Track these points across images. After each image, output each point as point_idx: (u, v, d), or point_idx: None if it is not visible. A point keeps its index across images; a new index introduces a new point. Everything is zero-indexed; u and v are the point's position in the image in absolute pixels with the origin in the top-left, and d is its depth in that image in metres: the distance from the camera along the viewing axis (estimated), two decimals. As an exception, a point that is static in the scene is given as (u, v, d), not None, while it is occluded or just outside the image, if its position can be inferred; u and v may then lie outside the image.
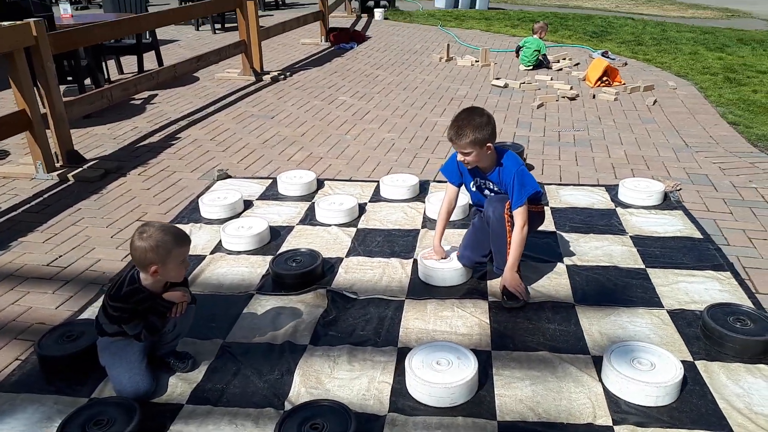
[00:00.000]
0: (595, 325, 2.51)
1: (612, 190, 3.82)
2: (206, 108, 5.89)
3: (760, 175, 4.09)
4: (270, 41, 8.62)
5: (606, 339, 2.41)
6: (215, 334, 2.48)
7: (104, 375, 2.20)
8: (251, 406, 2.10)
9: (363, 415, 2.03)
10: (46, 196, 3.91)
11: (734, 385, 2.16)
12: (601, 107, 5.87)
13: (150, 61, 7.31)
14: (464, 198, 3.28)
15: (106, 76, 6.60)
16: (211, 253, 3.15)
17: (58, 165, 4.26)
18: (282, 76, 7.08)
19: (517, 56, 7.78)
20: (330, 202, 3.55)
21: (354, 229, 3.37)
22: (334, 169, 4.33)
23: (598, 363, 2.25)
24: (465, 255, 2.82)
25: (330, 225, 3.42)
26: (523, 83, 6.66)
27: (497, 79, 6.83)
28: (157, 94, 6.36)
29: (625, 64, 7.69)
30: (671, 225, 3.36)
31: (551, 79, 6.90)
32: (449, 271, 2.81)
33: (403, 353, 2.31)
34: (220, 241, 3.23)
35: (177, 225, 2.57)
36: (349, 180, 4.11)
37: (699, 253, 3.05)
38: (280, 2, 14.50)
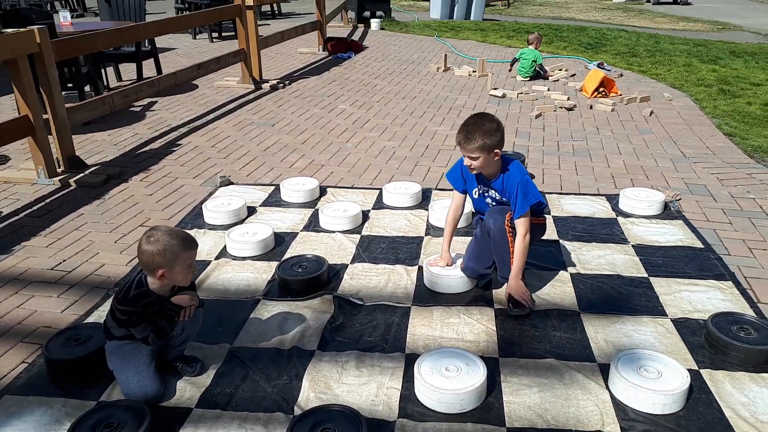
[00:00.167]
0: (600, 332, 2.53)
1: (613, 199, 3.85)
2: (206, 115, 5.90)
3: (757, 186, 4.14)
4: (268, 50, 8.65)
5: (612, 347, 2.44)
6: (222, 338, 2.48)
7: (112, 378, 2.19)
8: (260, 410, 2.10)
9: (372, 420, 2.04)
10: (48, 201, 3.90)
11: (739, 393, 2.18)
12: (598, 117, 5.93)
13: (149, 68, 7.31)
14: (470, 206, 3.30)
15: (105, 83, 6.61)
16: (216, 258, 3.15)
17: (59, 170, 4.26)
18: (281, 85, 7.10)
19: (510, 69, 7.85)
20: (334, 209, 3.56)
21: (358, 236, 3.39)
22: (336, 176, 4.35)
23: (604, 370, 2.27)
24: (469, 266, 2.83)
25: (334, 231, 3.43)
26: (521, 93, 6.72)
27: (495, 89, 6.88)
28: (156, 101, 6.36)
29: (621, 75, 7.78)
30: (672, 234, 3.40)
31: (548, 90, 6.97)
32: (455, 278, 2.83)
33: (410, 359, 2.33)
34: (225, 246, 3.24)
35: (184, 230, 2.57)
36: (352, 187, 4.12)
37: (700, 263, 3.09)
38: (277, 12, 14.56)
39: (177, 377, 2.25)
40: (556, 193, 3.99)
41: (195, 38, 10.68)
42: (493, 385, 2.21)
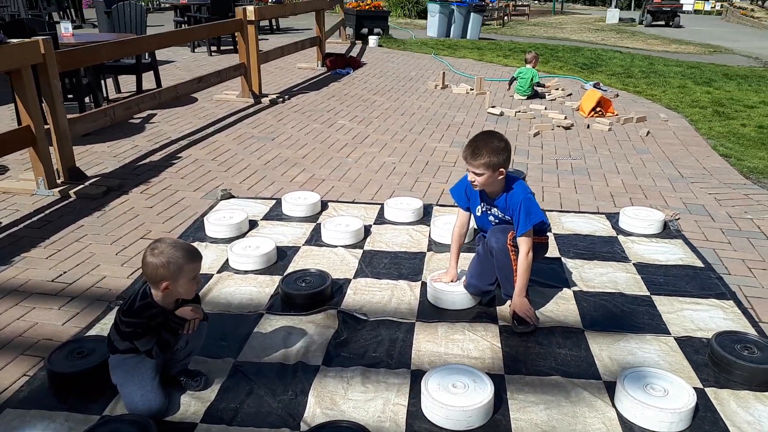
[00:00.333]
0: (605, 350, 2.53)
1: (612, 217, 3.88)
2: (206, 128, 5.91)
3: (754, 206, 4.18)
4: (267, 65, 8.67)
5: (616, 364, 2.44)
6: (226, 353, 2.47)
7: (116, 392, 2.17)
8: (266, 425, 2.08)
9: (380, 437, 2.03)
10: (47, 212, 3.88)
11: (744, 412, 2.19)
12: (596, 137, 5.98)
13: (148, 81, 7.32)
14: (472, 223, 3.31)
15: (105, 95, 6.61)
16: (218, 272, 3.14)
17: (59, 181, 4.24)
18: (280, 99, 7.13)
19: (509, 88, 7.93)
20: (336, 224, 3.56)
21: (360, 251, 3.39)
22: (337, 191, 4.36)
23: (610, 388, 2.27)
24: (472, 284, 2.83)
25: (336, 246, 3.43)
26: (519, 112, 6.78)
27: (493, 107, 6.94)
28: (155, 114, 6.37)
29: (617, 95, 7.86)
30: (672, 253, 3.42)
31: (545, 109, 7.03)
32: (458, 294, 2.83)
33: (416, 375, 2.32)
34: (227, 260, 3.22)
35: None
36: (353, 202, 4.13)
37: (701, 282, 3.10)
38: (275, 27, 14.65)
39: (181, 391, 2.23)
40: (556, 211, 4.01)
41: (193, 51, 10.72)
42: (499, 402, 2.20)
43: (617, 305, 2.87)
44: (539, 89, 7.76)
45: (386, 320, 2.71)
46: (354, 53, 10.95)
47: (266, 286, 3.00)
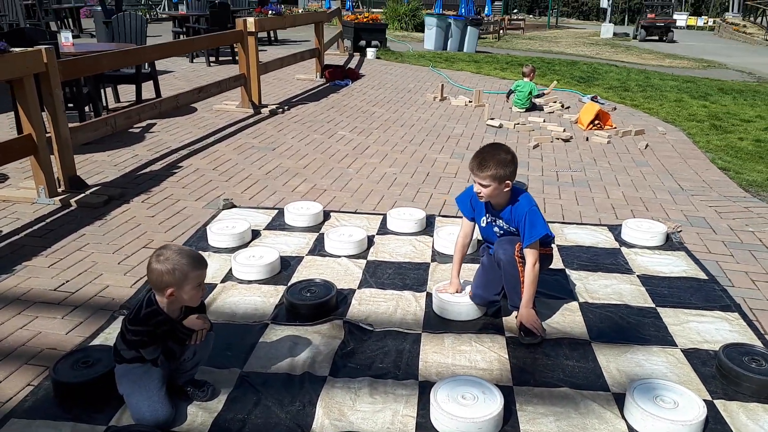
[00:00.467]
0: (612, 362, 2.52)
1: (615, 229, 3.89)
2: (206, 138, 5.90)
3: (755, 219, 4.20)
4: (266, 76, 8.69)
5: (624, 376, 2.43)
6: (232, 363, 2.45)
7: (122, 402, 2.14)
8: (274, 437, 2.06)
9: (389, 448, 2.01)
10: (48, 220, 3.85)
11: (754, 425, 2.18)
12: (595, 149, 6.01)
13: (147, 90, 7.31)
14: (476, 233, 3.31)
15: (105, 104, 6.60)
16: (222, 281, 3.12)
17: (59, 190, 4.22)
18: (280, 110, 7.14)
19: (507, 100, 7.97)
20: (339, 234, 3.56)
21: (364, 261, 3.38)
22: (339, 201, 4.35)
23: (619, 400, 2.26)
24: (477, 294, 2.82)
25: (340, 256, 3.42)
26: (518, 124, 6.81)
27: (492, 119, 6.97)
28: (155, 123, 6.36)
29: (615, 108, 7.91)
30: (676, 266, 3.43)
31: (544, 121, 7.06)
32: (465, 305, 2.82)
33: (424, 387, 2.31)
34: (231, 269, 3.21)
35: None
36: (355, 212, 4.13)
37: (706, 294, 3.11)
38: (273, 38, 14.70)
39: (188, 402, 2.21)
40: (558, 222, 4.02)
41: (192, 62, 10.73)
42: (509, 413, 2.19)
43: (623, 317, 2.87)
44: (537, 101, 7.79)
45: (392, 331, 2.70)
46: (352, 65, 10.99)
47: (271, 296, 2.99)
